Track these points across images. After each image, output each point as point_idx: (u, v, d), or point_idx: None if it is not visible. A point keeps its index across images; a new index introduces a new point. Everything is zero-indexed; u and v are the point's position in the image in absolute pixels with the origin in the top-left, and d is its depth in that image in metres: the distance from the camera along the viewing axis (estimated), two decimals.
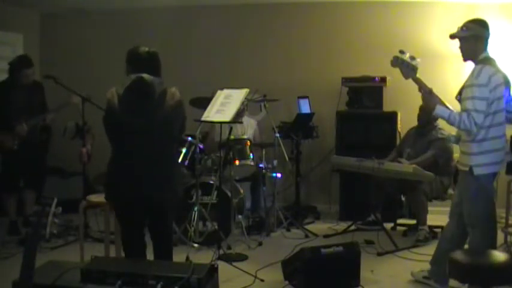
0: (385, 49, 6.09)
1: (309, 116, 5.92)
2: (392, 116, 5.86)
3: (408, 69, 3.42)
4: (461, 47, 3.43)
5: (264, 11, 6.53)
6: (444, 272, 3.54)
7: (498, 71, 3.31)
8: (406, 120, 5.52)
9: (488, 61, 3.32)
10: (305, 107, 6.10)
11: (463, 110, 3.27)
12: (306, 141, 6.10)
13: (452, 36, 3.44)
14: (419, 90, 3.44)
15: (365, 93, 5.93)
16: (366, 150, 5.22)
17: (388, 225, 5.35)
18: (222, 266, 3.09)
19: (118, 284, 2.36)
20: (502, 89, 3.29)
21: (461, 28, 3.41)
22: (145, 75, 3.03)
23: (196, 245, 4.76)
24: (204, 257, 4.36)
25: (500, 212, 5.43)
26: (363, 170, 4.97)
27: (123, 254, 3.38)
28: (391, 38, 6.04)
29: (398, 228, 5.48)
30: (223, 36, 6.58)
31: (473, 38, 3.35)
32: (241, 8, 6.53)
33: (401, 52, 3.43)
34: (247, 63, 6.52)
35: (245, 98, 4.49)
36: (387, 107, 5.90)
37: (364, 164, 4.93)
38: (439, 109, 3.32)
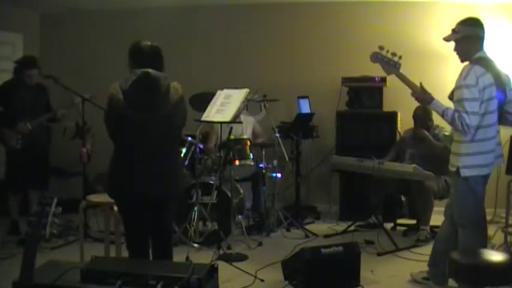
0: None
1: (309, 116, 5.92)
2: (392, 116, 5.86)
3: (390, 65, 3.41)
4: (455, 49, 3.42)
5: (264, 11, 6.53)
6: (443, 272, 3.55)
7: (489, 71, 3.25)
8: (406, 120, 5.52)
9: (480, 61, 3.28)
10: (305, 107, 6.11)
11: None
12: (306, 141, 6.10)
13: (445, 39, 3.44)
14: (411, 94, 3.43)
15: (365, 93, 5.93)
16: (366, 150, 5.21)
17: (388, 225, 5.35)
18: (222, 266, 3.09)
19: (118, 284, 2.36)
20: (491, 90, 3.23)
21: (453, 31, 3.39)
22: (151, 71, 3.01)
23: (196, 245, 4.76)
24: (204, 257, 4.36)
25: (500, 212, 5.43)
26: (363, 170, 4.96)
27: (123, 254, 3.38)
28: (391, 38, 6.02)
29: (398, 228, 5.48)
30: (224, 36, 6.58)
31: (464, 39, 3.33)
32: (242, 8, 6.53)
33: (381, 48, 3.42)
34: (247, 63, 6.52)
35: (245, 98, 4.49)
36: (387, 107, 5.90)
37: (364, 164, 4.94)
38: (435, 103, 3.33)
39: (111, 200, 3.37)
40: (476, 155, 3.27)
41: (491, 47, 5.81)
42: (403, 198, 5.73)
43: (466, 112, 3.18)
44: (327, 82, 6.19)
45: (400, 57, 3.41)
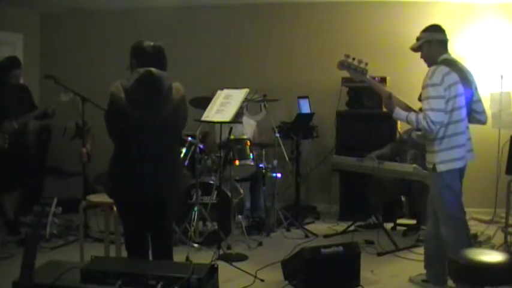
0: (385, 49, 6.14)
1: (309, 116, 5.92)
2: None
3: (357, 72, 3.53)
4: (421, 56, 3.60)
5: (264, 11, 6.53)
6: (441, 272, 3.56)
7: (454, 70, 3.41)
8: None
9: (445, 62, 3.45)
10: (305, 107, 6.11)
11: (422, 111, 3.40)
12: (306, 141, 6.10)
13: (411, 49, 3.63)
14: (383, 98, 3.58)
15: (365, 93, 5.92)
16: (366, 150, 5.21)
17: (388, 225, 5.35)
18: (222, 266, 3.09)
19: (118, 284, 2.36)
20: (457, 87, 3.39)
21: (417, 39, 3.59)
22: (154, 70, 2.97)
23: (196, 245, 4.76)
24: (204, 257, 4.36)
25: (500, 212, 5.43)
26: (363, 170, 4.97)
27: (123, 254, 3.37)
28: (391, 38, 6.05)
29: (398, 228, 5.48)
30: (223, 36, 6.58)
31: (426, 44, 3.53)
32: (241, 8, 6.53)
33: (347, 56, 3.54)
34: (247, 63, 6.52)
35: (245, 98, 4.49)
36: None
37: (364, 164, 4.94)
38: (396, 113, 3.49)
39: (111, 200, 3.37)
40: (450, 150, 3.42)
41: (490, 47, 5.88)
42: (403, 198, 5.73)
43: (432, 109, 3.32)
44: (327, 82, 6.19)
45: (366, 64, 3.55)
